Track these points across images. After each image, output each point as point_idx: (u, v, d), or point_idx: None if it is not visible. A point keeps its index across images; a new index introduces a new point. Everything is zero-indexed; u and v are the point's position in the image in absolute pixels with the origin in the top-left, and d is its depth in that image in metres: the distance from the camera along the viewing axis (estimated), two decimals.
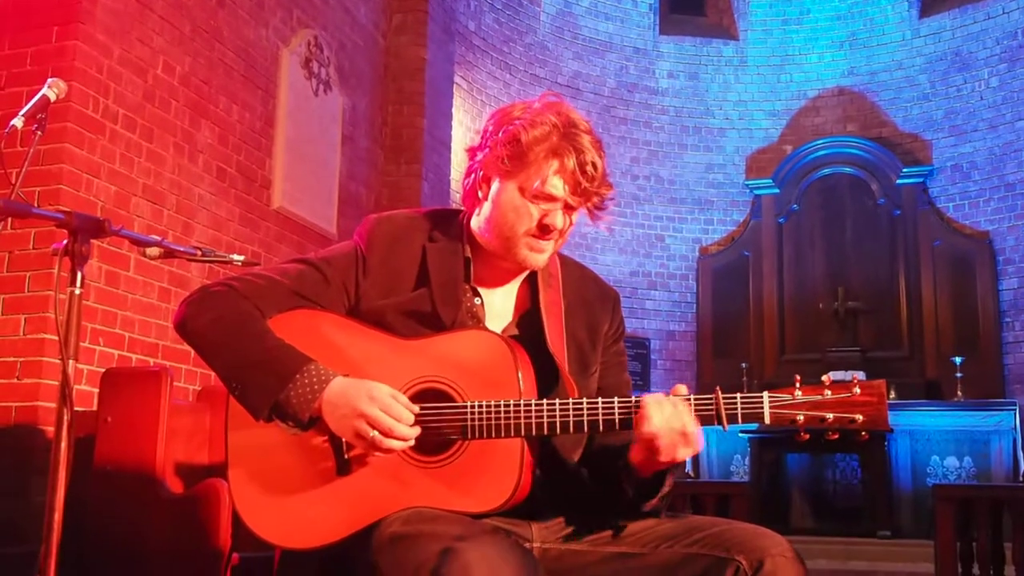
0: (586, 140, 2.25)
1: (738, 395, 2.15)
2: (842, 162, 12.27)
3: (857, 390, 2.12)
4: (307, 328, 2.31)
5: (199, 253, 2.97)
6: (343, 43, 8.56)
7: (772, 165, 12.58)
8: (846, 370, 11.04)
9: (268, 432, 2.23)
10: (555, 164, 2.24)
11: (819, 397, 2.13)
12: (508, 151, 2.26)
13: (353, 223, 8.22)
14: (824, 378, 2.16)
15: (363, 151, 8.88)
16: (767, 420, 2.12)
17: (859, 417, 2.11)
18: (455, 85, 10.38)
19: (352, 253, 2.41)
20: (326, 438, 2.22)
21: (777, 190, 12.43)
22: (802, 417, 2.12)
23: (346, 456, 2.20)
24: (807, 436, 2.15)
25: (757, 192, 12.58)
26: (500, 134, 2.29)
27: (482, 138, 2.37)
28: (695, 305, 12.60)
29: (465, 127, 10.89)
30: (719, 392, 2.14)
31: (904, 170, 11.92)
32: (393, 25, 9.39)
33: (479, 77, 11.39)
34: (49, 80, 2.91)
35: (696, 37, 13.03)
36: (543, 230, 2.29)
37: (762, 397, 2.14)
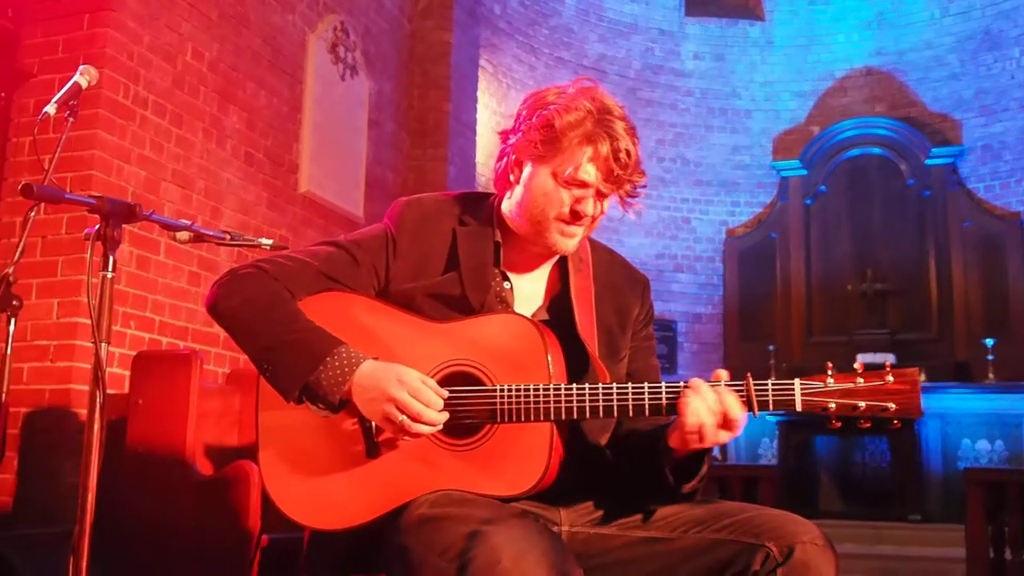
0: (620, 127, 2.24)
1: (769, 382, 2.12)
2: (870, 143, 12.19)
3: (890, 378, 2.09)
4: (337, 310, 2.32)
5: (228, 237, 2.99)
6: (369, 28, 8.57)
7: (799, 146, 12.50)
8: (875, 352, 11.01)
9: (298, 413, 2.24)
10: (588, 151, 2.23)
11: (851, 385, 2.09)
12: (541, 136, 2.25)
13: (379, 207, 8.25)
14: (857, 365, 2.12)
15: (389, 135, 8.89)
16: (798, 408, 2.09)
17: (891, 405, 2.08)
18: (480, 68, 10.37)
19: (382, 235, 2.41)
20: (356, 420, 2.23)
21: (804, 171, 12.35)
22: (834, 405, 2.09)
23: (375, 439, 2.22)
24: (839, 424, 2.13)
25: (784, 174, 12.51)
26: (534, 119, 2.28)
27: (515, 121, 2.36)
28: (722, 287, 12.56)
29: (490, 110, 10.89)
30: (750, 379, 2.12)
31: (933, 150, 11.82)
32: (419, 9, 9.39)
33: (504, 60, 11.37)
34: (81, 67, 2.93)
35: (722, 18, 12.95)
36: (574, 216, 2.28)
37: (793, 384, 2.11)
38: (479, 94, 10.19)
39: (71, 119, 2.90)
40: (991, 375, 10.75)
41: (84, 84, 2.93)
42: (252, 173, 6.92)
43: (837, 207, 12.28)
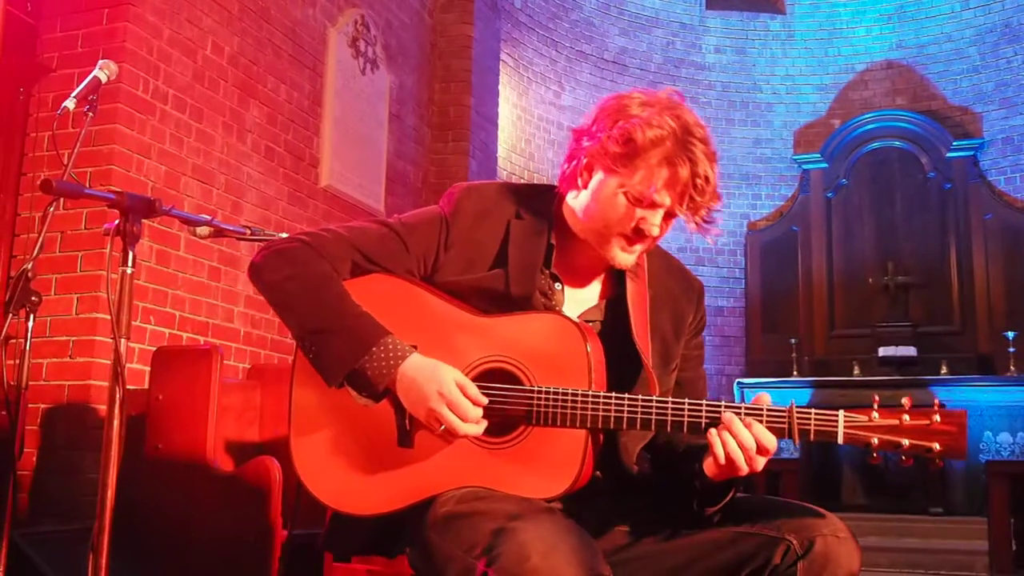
0: (700, 150, 2.15)
1: (812, 411, 2.06)
2: (891, 136, 12.13)
3: (937, 418, 2.04)
4: (383, 294, 2.29)
5: (248, 232, 2.99)
6: (390, 21, 8.56)
7: (820, 139, 12.46)
8: (897, 345, 10.95)
9: (333, 393, 2.23)
10: (666, 173, 2.15)
11: (896, 422, 2.04)
12: (620, 149, 2.17)
13: (401, 201, 8.25)
14: (904, 401, 2.05)
15: (410, 129, 8.88)
16: (840, 440, 2.04)
17: (936, 446, 2.03)
18: (501, 62, 10.36)
19: (437, 222, 2.35)
20: (392, 407, 2.21)
21: (826, 164, 12.30)
22: (877, 440, 2.03)
23: (410, 429, 2.21)
24: (880, 459, 2.07)
25: (805, 167, 12.46)
26: (614, 129, 2.19)
27: (591, 123, 2.27)
28: (744, 281, 12.51)
29: (511, 104, 10.88)
30: (793, 406, 2.07)
31: (954, 143, 11.76)
32: (439, 3, 9.38)
33: (525, 54, 11.34)
34: (100, 62, 2.93)
35: (743, 11, 12.90)
36: (637, 234, 2.22)
37: (837, 416, 2.05)
38: (500, 88, 10.18)
39: (90, 114, 2.90)
40: (1012, 368, 10.69)
41: (103, 79, 2.93)
42: (273, 167, 6.92)
43: (859, 200, 12.22)
